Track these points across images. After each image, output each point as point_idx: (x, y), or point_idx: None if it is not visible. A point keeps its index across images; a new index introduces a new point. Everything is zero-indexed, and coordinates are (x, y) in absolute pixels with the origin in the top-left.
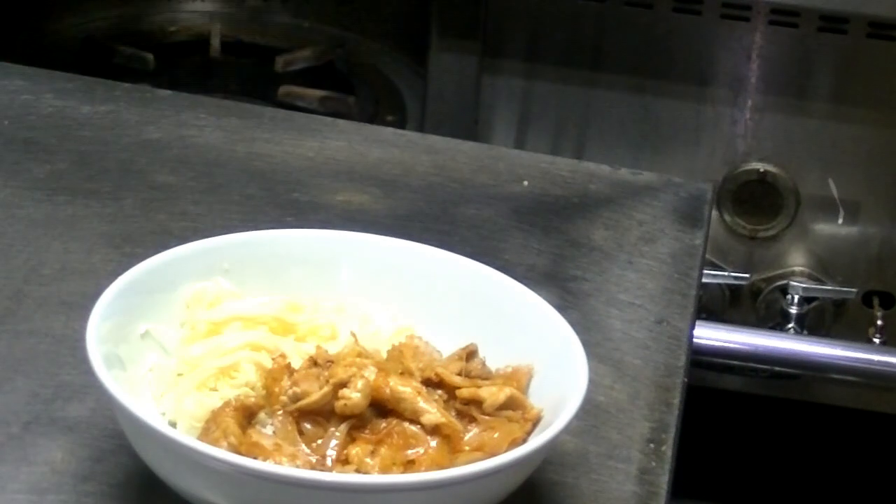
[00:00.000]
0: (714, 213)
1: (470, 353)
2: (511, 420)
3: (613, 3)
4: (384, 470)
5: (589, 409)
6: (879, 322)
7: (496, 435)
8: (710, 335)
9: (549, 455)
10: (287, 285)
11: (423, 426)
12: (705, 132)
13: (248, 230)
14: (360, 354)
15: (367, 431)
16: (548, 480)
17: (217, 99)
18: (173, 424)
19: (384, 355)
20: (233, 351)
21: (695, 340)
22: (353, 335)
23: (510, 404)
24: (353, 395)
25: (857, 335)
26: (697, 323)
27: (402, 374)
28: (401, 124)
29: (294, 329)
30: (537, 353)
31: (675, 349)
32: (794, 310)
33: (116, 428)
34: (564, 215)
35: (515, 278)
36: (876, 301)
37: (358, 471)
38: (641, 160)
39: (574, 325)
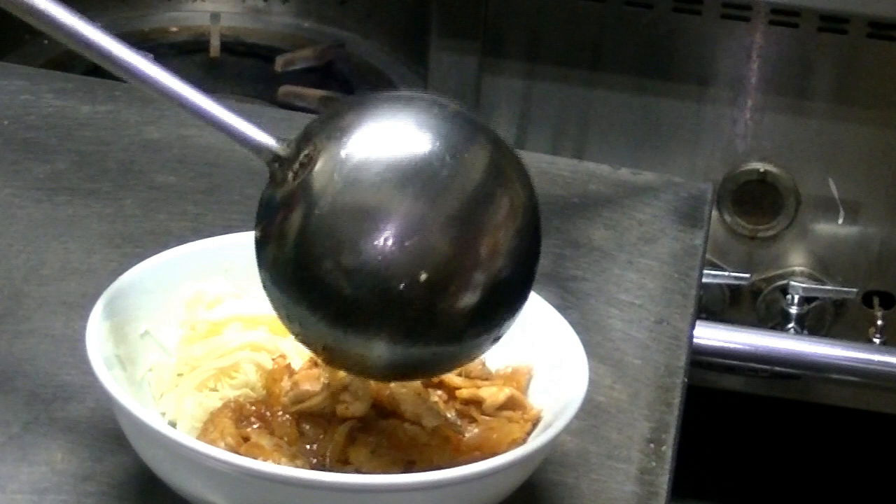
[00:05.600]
0: (714, 213)
1: None
2: (511, 420)
3: (613, 3)
4: (384, 470)
5: (589, 409)
6: (879, 322)
7: (496, 435)
8: (710, 335)
9: (549, 455)
10: None
11: (422, 427)
12: (705, 132)
13: (248, 230)
14: None
15: (367, 432)
16: (548, 480)
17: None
18: (173, 424)
19: None
20: (233, 351)
21: (695, 340)
22: None
23: (510, 404)
24: (355, 400)
25: (857, 335)
26: (697, 323)
27: None
28: None
29: None
30: (537, 353)
31: (675, 349)
32: (794, 310)
33: (116, 428)
34: (564, 215)
35: None
36: (876, 301)
37: (358, 471)
38: (641, 160)
39: (574, 325)
